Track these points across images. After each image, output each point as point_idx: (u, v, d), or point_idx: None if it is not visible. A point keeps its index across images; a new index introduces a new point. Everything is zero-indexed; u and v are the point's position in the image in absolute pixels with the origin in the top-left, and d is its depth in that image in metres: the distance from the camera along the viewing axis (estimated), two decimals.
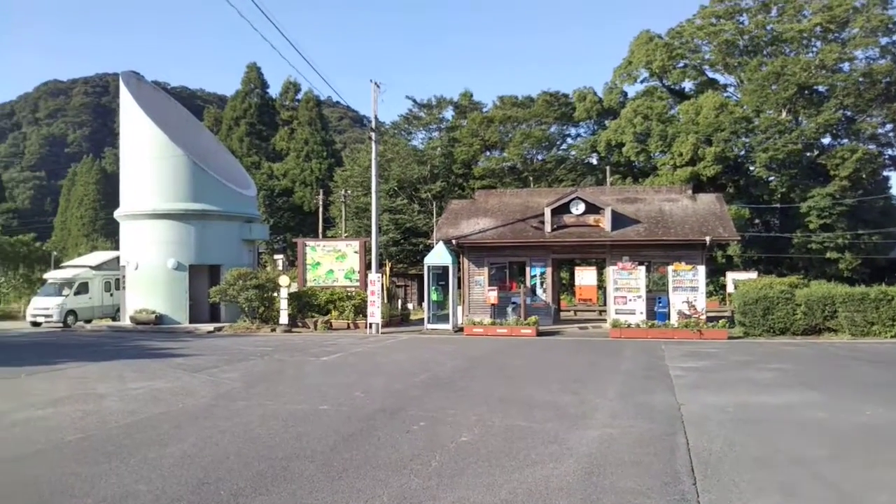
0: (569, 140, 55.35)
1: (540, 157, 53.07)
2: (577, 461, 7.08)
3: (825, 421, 9.14)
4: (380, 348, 19.23)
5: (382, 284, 30.87)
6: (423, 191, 50.15)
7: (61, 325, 29.33)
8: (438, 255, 25.10)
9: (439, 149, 52.80)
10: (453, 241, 26.09)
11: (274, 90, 69.16)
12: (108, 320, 30.89)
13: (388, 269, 42.91)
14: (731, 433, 8.33)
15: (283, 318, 25.49)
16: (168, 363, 15.72)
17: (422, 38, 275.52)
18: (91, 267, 31.92)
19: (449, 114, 55.70)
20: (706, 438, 8.05)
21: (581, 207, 25.99)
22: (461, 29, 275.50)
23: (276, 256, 44.95)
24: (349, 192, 50.24)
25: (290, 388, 12.13)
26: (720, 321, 22.27)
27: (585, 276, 38.99)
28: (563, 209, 26.10)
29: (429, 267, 25.22)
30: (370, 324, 24.54)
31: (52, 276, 31.94)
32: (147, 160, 27.96)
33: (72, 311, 29.96)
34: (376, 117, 26.07)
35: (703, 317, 23.01)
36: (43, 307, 29.70)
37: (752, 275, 34.61)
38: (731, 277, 34.46)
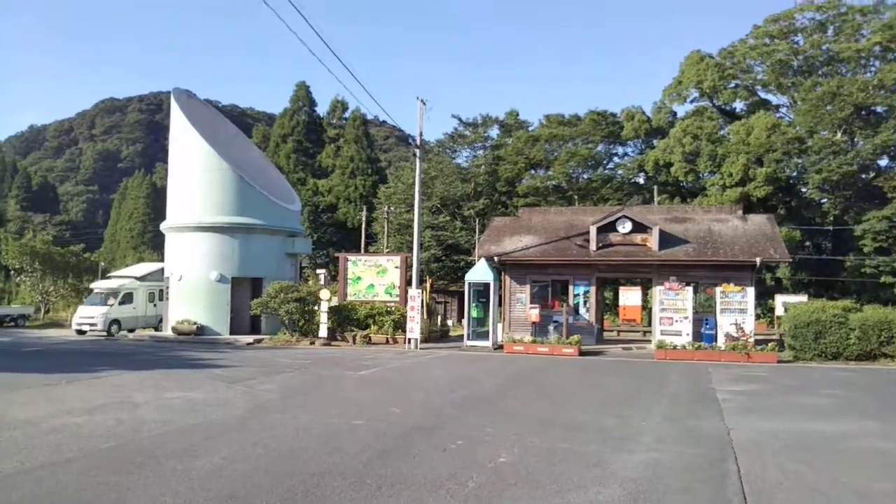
0: (615, 159, 54.81)
1: (585, 177, 52.56)
2: (621, 486, 6.71)
3: (887, 452, 8.59)
4: (418, 364, 18.98)
5: (422, 300, 30.73)
6: (466, 208, 49.99)
7: (105, 333, 29.76)
8: (479, 272, 24.82)
9: (483, 167, 52.64)
10: (495, 258, 25.79)
11: (321, 108, 70.06)
12: (150, 330, 31.26)
13: (428, 285, 42.85)
14: (785, 461, 7.86)
15: (323, 332, 25.43)
16: (206, 374, 15.68)
17: (469, 58, 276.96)
18: (136, 278, 32.42)
19: (494, 132, 55.68)
20: (759, 466, 7.60)
21: (628, 226, 25.50)
22: (509, 50, 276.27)
23: (318, 271, 45.12)
24: (392, 208, 50.31)
25: (325, 401, 11.94)
26: (769, 344, 21.52)
27: (630, 297, 37.81)
28: (609, 227, 25.64)
29: (469, 283, 24.93)
30: (409, 339, 24.32)
31: (98, 285, 32.51)
32: (194, 173, 28.32)
33: (116, 321, 30.38)
34: (421, 134, 26.07)
35: (752, 340, 22.29)
36: (88, 316, 30.19)
37: (802, 298, 33.49)
38: (780, 300, 33.41)
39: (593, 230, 25.33)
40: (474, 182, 51.23)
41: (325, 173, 64.08)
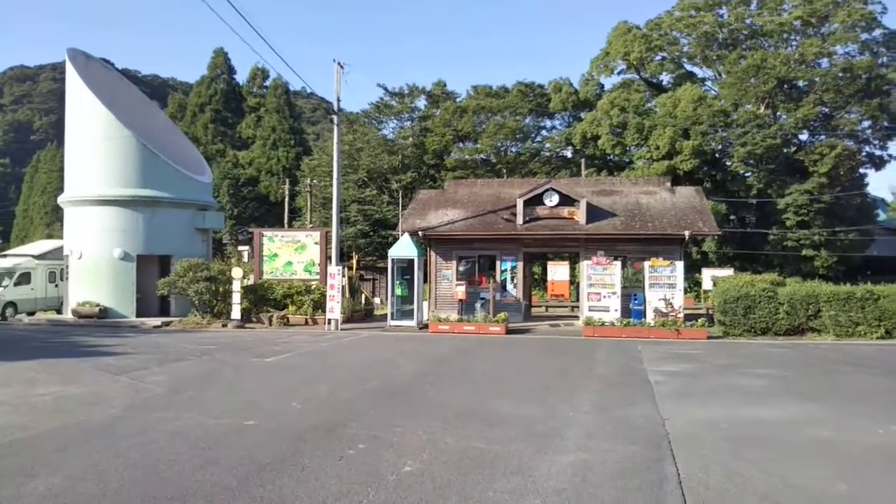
0: (544, 132, 54.07)
1: (514, 150, 51.67)
2: (544, 501, 5.66)
3: (834, 442, 7.83)
4: (334, 347, 17.71)
5: (347, 277, 29.34)
6: (394, 181, 48.57)
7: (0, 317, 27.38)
8: (403, 248, 23.61)
9: (411, 139, 51.18)
10: (420, 233, 24.60)
11: (241, 77, 67.10)
12: (52, 313, 28.99)
13: (355, 261, 41.42)
14: (728, 459, 6.99)
15: (236, 313, 23.82)
16: (94, 363, 14.05)
17: (397, 31, 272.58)
18: (34, 256, 29.95)
19: (422, 104, 54.06)
20: (699, 467, 6.69)
21: (555, 199, 24.63)
22: (437, 22, 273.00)
23: (240, 248, 43.12)
24: (316, 181, 48.48)
25: (219, 395, 10.59)
26: (699, 320, 21.06)
27: (558, 271, 37.42)
28: (536, 201, 24.72)
29: (393, 260, 23.70)
30: (329, 320, 22.98)
31: None
32: (93, 142, 26.04)
33: (11, 303, 27.97)
34: (339, 99, 24.46)
35: (681, 315, 21.81)
36: None
37: (729, 271, 33.52)
38: (707, 274, 33.30)
39: (520, 203, 24.38)
40: (401, 154, 49.76)
41: (245, 145, 61.48)
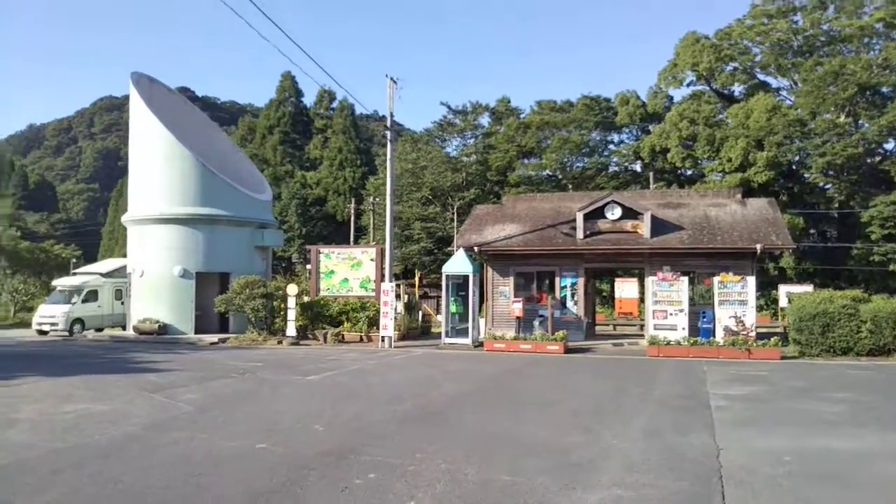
0: (611, 147, 52.81)
1: (580, 165, 50.62)
2: None
3: None
4: (382, 365, 17.14)
5: (404, 294, 28.88)
6: (457, 199, 48.11)
7: (67, 333, 27.99)
8: (458, 263, 22.99)
9: (474, 156, 50.70)
10: (475, 249, 23.94)
11: (309, 99, 68.09)
12: (118, 329, 29.49)
13: (418, 278, 41.04)
14: (788, 498, 6.03)
15: (291, 330, 23.62)
16: (135, 380, 13.87)
17: (461, 49, 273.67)
18: (101, 274, 30.58)
19: (485, 121, 53.70)
20: None
21: (617, 212, 23.60)
22: (501, 36, 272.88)
23: (308, 266, 43.31)
24: (379, 199, 48.46)
25: (243, 416, 10.10)
26: (772, 339, 19.63)
27: (626, 288, 36.16)
28: (597, 214, 23.75)
29: (447, 276, 23.10)
30: (383, 337, 22.50)
31: (61, 283, 30.69)
32: (154, 162, 26.48)
33: (79, 320, 28.59)
34: (392, 114, 24.08)
35: (753, 334, 20.42)
36: (49, 315, 28.42)
37: (808, 288, 31.65)
38: (784, 290, 31.52)
39: (580, 217, 23.45)
40: (465, 172, 49.30)
41: (313, 165, 62.21)
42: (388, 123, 24.17)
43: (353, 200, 52.12)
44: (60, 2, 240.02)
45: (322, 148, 61.83)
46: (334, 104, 65.43)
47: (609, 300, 40.89)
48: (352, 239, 50.42)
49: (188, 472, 6.85)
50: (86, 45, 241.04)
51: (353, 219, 51.14)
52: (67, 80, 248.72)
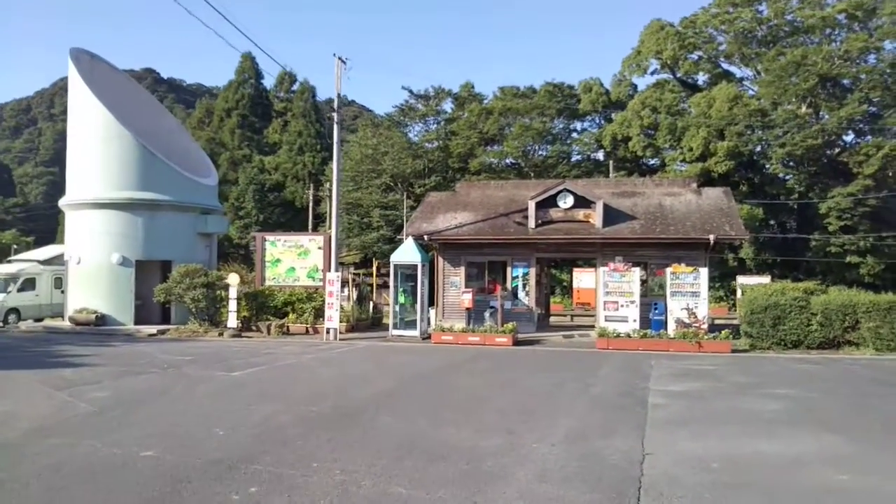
0: (574, 135, 52.31)
1: (542, 153, 50.08)
2: None
3: (851, 491, 6.25)
4: (317, 360, 16.41)
5: (355, 284, 28.16)
6: (418, 186, 47.28)
7: (1, 323, 26.76)
8: (407, 252, 22.25)
9: (436, 142, 49.90)
10: (425, 237, 23.25)
11: (269, 81, 66.56)
12: (58, 319, 28.30)
13: (375, 267, 40.27)
14: None
15: (232, 321, 22.74)
16: (48, 376, 12.97)
17: (424, 33, 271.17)
18: (39, 261, 29.34)
19: (448, 106, 52.80)
20: None
21: (570, 201, 23.07)
22: (464, 22, 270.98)
23: None
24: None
25: (145, 417, 9.32)
26: (723, 332, 19.25)
27: (584, 279, 35.92)
28: (549, 203, 23.19)
29: (395, 265, 22.36)
30: (328, 329, 21.72)
31: None
32: (92, 143, 25.29)
33: (14, 310, 27.37)
34: (339, 95, 23.21)
35: (705, 326, 20.07)
36: None
37: (765, 279, 31.56)
38: (740, 282, 31.37)
39: (532, 205, 22.86)
40: (426, 158, 48.48)
41: (272, 150, 60.82)
42: (335, 105, 23.32)
43: (311, 186, 51.05)
44: None
45: (281, 132, 60.46)
46: (295, 87, 64.03)
47: (569, 290, 40.55)
48: (310, 226, 49.41)
49: (49, 486, 6.12)
50: (46, 24, 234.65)
51: (311, 205, 50.12)
52: (27, 59, 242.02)
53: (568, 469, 6.83)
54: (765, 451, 7.65)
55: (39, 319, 28.21)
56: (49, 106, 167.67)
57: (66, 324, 25.27)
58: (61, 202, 26.81)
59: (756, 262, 40.84)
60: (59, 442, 7.79)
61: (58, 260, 29.43)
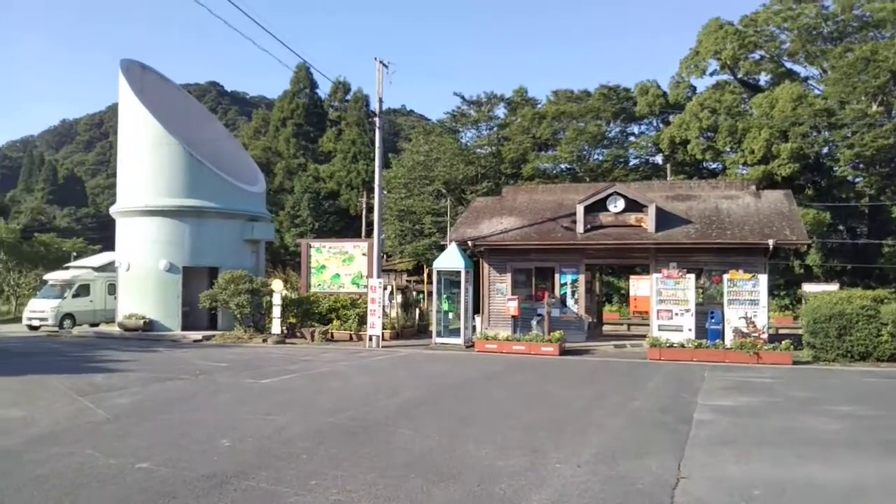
0: (631, 138, 51.02)
1: (597, 157, 48.96)
2: None
3: None
4: (354, 368, 15.97)
5: (401, 291, 27.74)
6: (469, 192, 46.73)
7: (57, 328, 27.28)
8: (450, 259, 21.74)
9: (488, 147, 49.27)
10: (469, 243, 22.66)
11: (324, 91, 67.08)
12: (111, 325, 28.71)
13: (426, 275, 39.85)
14: None
15: (276, 328, 22.57)
16: (77, 381, 12.85)
17: (480, 40, 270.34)
18: (94, 268, 29.89)
19: (501, 112, 52.13)
20: None
21: (620, 204, 22.17)
22: (519, 26, 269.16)
23: None
24: (388, 193, 47.28)
25: (156, 426, 8.98)
26: (783, 342, 18.09)
27: (641, 286, 34.74)
28: (599, 206, 22.35)
29: (438, 272, 21.86)
30: (370, 336, 21.33)
31: (53, 277, 30.04)
32: (142, 152, 25.54)
33: (69, 315, 27.91)
34: (381, 100, 22.84)
35: (764, 336, 18.91)
36: (39, 310, 27.82)
37: (833, 287, 29.84)
38: (806, 290, 29.78)
39: (580, 209, 22.06)
40: (478, 164, 47.89)
41: (326, 158, 61.18)
42: (378, 109, 22.94)
43: (364, 194, 51.00)
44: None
45: (336, 140, 60.77)
46: (349, 96, 64.35)
47: (627, 298, 39.36)
48: (363, 233, 49.34)
49: (27, 501, 5.74)
50: (118, 39, 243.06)
51: (364, 212, 50.07)
52: (98, 73, 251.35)
53: (589, 494, 6.15)
54: (818, 478, 6.82)
55: (95, 324, 28.68)
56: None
57: (116, 329, 25.53)
58: (112, 209, 27.21)
59: (824, 269, 38.93)
60: (60, 451, 7.49)
61: (111, 266, 29.87)
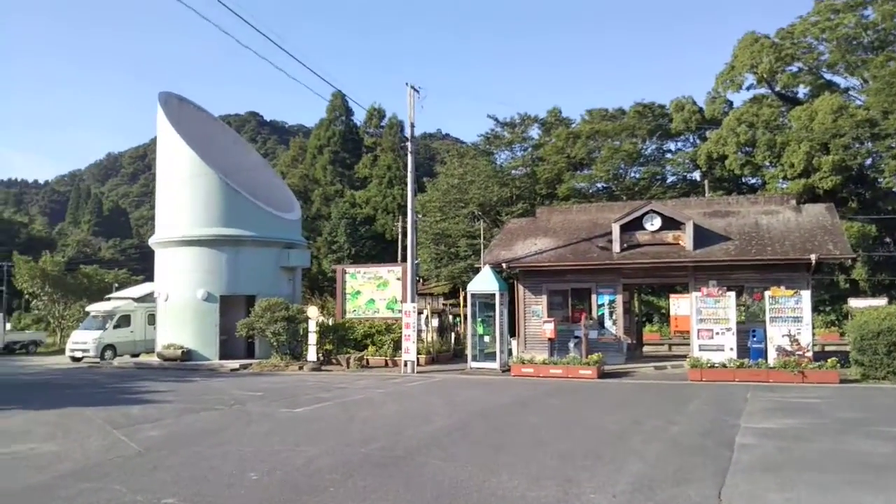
0: (668, 156, 50.40)
1: (634, 176, 48.43)
2: None
3: None
4: (388, 395, 15.83)
5: (437, 315, 27.60)
6: (504, 213, 46.54)
7: (98, 359, 27.69)
8: (484, 281, 21.54)
9: (522, 168, 49.12)
10: (503, 265, 22.46)
11: (359, 118, 67.77)
12: (151, 355, 29.07)
13: (462, 298, 39.65)
14: None
15: (311, 355, 22.58)
16: (112, 413, 12.93)
17: (511, 60, 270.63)
18: (134, 299, 30.34)
19: (535, 132, 51.98)
20: None
21: (657, 222, 21.80)
22: (552, 46, 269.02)
23: None
24: (422, 216, 47.33)
25: (186, 459, 8.92)
26: (829, 360, 17.49)
27: (682, 305, 33.92)
28: (635, 225, 22.00)
29: (472, 295, 21.68)
30: (405, 361, 21.20)
31: (95, 308, 30.55)
32: (179, 182, 26.00)
33: (110, 346, 28.33)
34: (412, 125, 22.89)
35: (809, 354, 18.33)
36: (81, 341, 28.27)
37: (881, 301, 28.96)
38: (852, 305, 28.92)
39: (616, 228, 21.74)
40: (512, 186, 47.73)
41: (362, 184, 61.62)
42: (409, 133, 23.00)
43: (400, 218, 51.10)
44: (128, 30, 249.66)
45: (371, 166, 61.20)
46: (384, 122, 64.87)
47: (667, 318, 38.64)
48: (399, 257, 49.38)
49: None
50: (160, 73, 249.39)
51: (400, 237, 50.12)
52: (143, 106, 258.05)
53: None
54: None
55: (136, 355, 29.04)
56: None
57: (155, 359, 25.79)
58: (151, 240, 27.65)
59: (871, 284, 37.81)
60: (88, 486, 7.47)
61: (151, 297, 30.30)
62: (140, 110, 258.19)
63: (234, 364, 23.72)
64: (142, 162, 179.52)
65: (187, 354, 24.91)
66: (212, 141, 28.35)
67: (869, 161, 39.73)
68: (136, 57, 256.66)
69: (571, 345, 20.80)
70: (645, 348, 28.07)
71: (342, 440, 10.05)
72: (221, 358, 25.16)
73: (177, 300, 25.50)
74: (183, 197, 25.85)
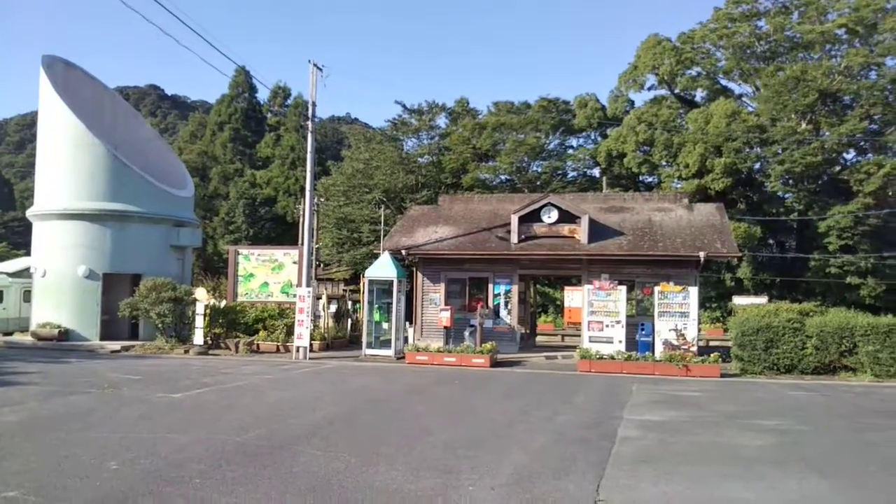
0: (569, 151, 51.34)
1: (536, 169, 49.09)
2: None
3: None
4: (274, 382, 15.32)
5: (335, 300, 27.11)
6: (409, 201, 46.29)
7: None
8: (382, 268, 21.22)
9: (428, 156, 48.99)
10: (403, 252, 22.21)
11: (263, 96, 65.75)
12: (25, 334, 27.26)
13: (363, 284, 39.21)
14: None
15: (198, 338, 21.67)
16: None
17: (419, 46, 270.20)
18: (8, 274, 28.33)
19: (442, 121, 51.89)
20: None
21: (554, 215, 22.04)
22: (461, 38, 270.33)
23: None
24: (325, 200, 46.52)
25: (44, 446, 8.23)
26: (711, 355, 18.13)
27: (576, 297, 34.76)
28: (533, 217, 22.17)
29: (370, 281, 21.33)
30: (298, 347, 20.65)
31: None
32: (61, 152, 24.36)
33: None
34: (314, 104, 22.31)
35: (694, 348, 18.96)
36: None
37: (762, 300, 30.34)
38: (736, 302, 30.20)
39: (514, 220, 21.85)
40: (418, 173, 47.53)
41: (264, 164, 59.93)
42: (311, 112, 22.40)
43: (302, 200, 50.01)
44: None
45: (274, 146, 59.54)
46: (289, 101, 63.20)
47: (562, 309, 39.43)
48: (300, 240, 48.35)
49: None
50: (48, 35, 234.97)
51: (301, 220, 49.06)
52: (31, 72, 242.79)
53: None
54: (737, 499, 6.59)
55: (9, 333, 27.14)
56: None
57: (28, 339, 24.20)
58: (28, 212, 25.92)
59: (754, 283, 39.67)
60: None
61: (27, 272, 28.41)
62: (28, 76, 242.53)
63: (116, 346, 22.50)
64: (29, 131, 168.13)
65: (65, 334, 23.46)
66: (101, 110, 26.77)
67: (757, 165, 41.61)
68: (25, 19, 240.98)
69: (467, 333, 20.80)
70: (539, 338, 28.45)
71: (217, 428, 9.55)
72: (103, 339, 23.82)
73: (55, 276, 23.95)
74: (65, 167, 24.25)
